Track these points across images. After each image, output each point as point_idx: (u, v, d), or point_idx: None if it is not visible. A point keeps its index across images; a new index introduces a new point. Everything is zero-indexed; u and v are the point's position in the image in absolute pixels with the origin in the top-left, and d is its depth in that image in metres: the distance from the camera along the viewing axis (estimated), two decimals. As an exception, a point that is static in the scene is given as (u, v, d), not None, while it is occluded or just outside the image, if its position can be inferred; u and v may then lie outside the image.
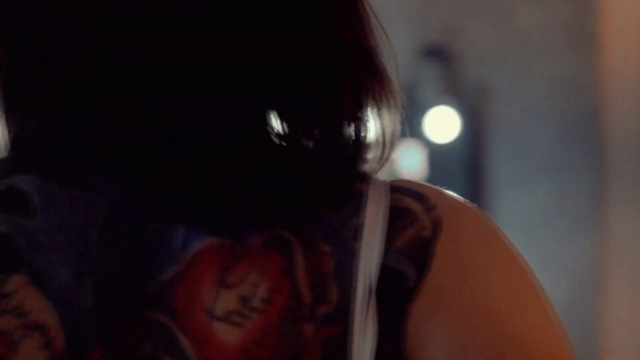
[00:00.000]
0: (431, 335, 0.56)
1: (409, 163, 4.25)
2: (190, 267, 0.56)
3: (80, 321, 0.55)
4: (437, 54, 3.58)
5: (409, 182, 0.60)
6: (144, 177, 0.58)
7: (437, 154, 3.61)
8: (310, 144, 0.58)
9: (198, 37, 0.57)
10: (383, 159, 0.61)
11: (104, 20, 0.57)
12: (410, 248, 0.57)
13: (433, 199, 0.58)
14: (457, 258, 0.57)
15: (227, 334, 0.55)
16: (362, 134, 0.59)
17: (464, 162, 3.61)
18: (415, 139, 3.58)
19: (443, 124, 3.59)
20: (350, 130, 0.59)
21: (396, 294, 0.56)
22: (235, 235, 0.56)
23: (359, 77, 0.59)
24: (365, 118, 0.59)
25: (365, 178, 0.59)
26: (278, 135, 0.59)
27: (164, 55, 0.57)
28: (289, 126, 0.59)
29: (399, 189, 0.59)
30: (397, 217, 0.57)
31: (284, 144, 0.59)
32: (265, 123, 0.59)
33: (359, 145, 0.59)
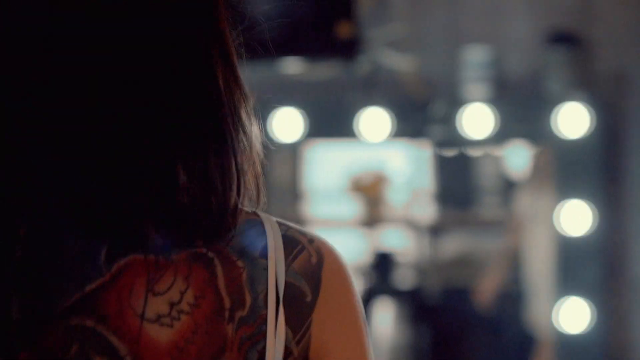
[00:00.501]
0: (328, 339, 0.72)
1: (516, 162, 3.90)
2: (116, 278, 0.66)
3: (8, 332, 0.64)
4: (566, 41, 3.18)
5: (282, 219, 0.73)
6: (68, 202, 0.66)
7: (566, 152, 3.23)
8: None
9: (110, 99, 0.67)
10: (258, 202, 0.73)
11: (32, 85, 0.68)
12: (305, 272, 0.72)
13: (308, 233, 0.74)
14: (337, 284, 0.73)
15: (159, 334, 0.66)
16: (241, 182, 0.71)
17: (598, 160, 3.22)
18: (541, 135, 3.19)
19: (573, 118, 3.19)
20: (232, 178, 0.70)
21: (300, 306, 0.71)
22: (159, 252, 0.67)
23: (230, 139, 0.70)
24: (240, 171, 0.71)
25: (257, 213, 0.73)
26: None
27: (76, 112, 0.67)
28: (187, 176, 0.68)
29: (282, 223, 0.73)
30: (289, 244, 0.71)
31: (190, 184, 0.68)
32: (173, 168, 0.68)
33: (241, 189, 0.71)
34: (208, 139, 0.69)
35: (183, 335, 0.67)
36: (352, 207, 5.42)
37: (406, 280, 5.31)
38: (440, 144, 3.41)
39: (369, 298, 5.14)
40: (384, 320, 5.40)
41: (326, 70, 2.83)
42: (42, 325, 0.65)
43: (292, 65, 2.80)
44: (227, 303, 0.68)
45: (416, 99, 2.84)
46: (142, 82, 0.68)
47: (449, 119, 2.87)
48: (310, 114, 3.07)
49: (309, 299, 0.72)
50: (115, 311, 0.66)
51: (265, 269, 0.70)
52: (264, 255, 0.71)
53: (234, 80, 0.72)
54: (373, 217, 5.34)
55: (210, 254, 0.69)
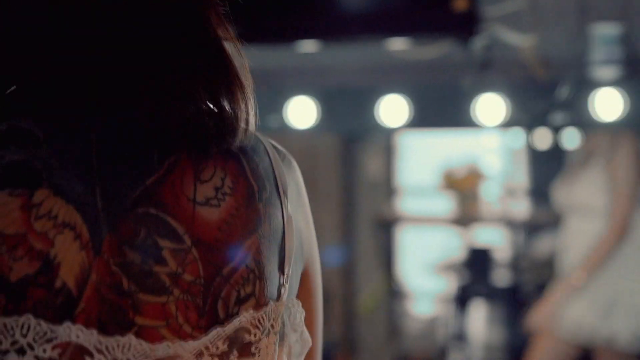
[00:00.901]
0: (304, 233, 0.89)
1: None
2: (168, 172, 0.80)
3: (96, 218, 0.77)
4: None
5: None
6: (122, 114, 0.81)
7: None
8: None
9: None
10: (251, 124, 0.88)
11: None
12: (291, 173, 0.88)
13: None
14: (302, 186, 0.91)
15: (209, 214, 0.80)
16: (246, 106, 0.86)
17: None
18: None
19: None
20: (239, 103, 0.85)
21: (293, 198, 0.87)
22: (198, 150, 0.81)
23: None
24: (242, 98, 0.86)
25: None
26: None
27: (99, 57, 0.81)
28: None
29: (262, 135, 0.90)
30: (277, 151, 0.88)
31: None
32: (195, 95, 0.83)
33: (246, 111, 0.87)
34: (219, 69, 0.83)
35: (229, 212, 0.81)
36: (445, 203, 5.33)
37: (501, 278, 5.05)
38: (563, 131, 3.06)
39: (463, 296, 4.93)
40: (479, 319, 5.19)
41: (436, 50, 2.52)
42: (118, 213, 0.78)
43: (397, 46, 2.51)
44: (255, 187, 0.83)
45: (537, 82, 2.50)
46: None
47: (574, 104, 2.52)
48: (416, 100, 2.75)
49: (294, 190, 0.88)
50: (171, 198, 0.79)
51: (271, 165, 0.85)
52: (267, 154, 0.86)
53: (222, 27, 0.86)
54: (467, 214, 5.17)
55: (236, 151, 0.83)
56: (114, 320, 0.77)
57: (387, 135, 4.69)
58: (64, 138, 0.79)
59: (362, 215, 5.06)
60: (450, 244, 5.55)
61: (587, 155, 3.39)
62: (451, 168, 5.33)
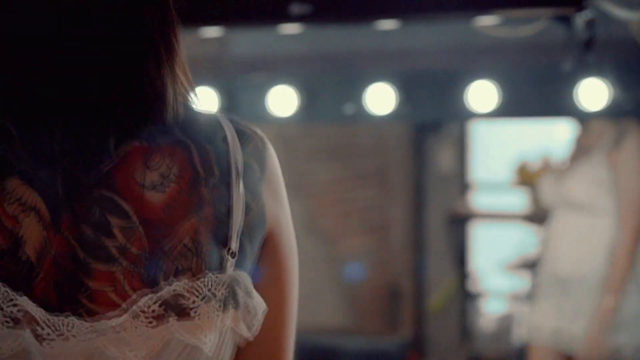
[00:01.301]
0: (272, 212, 0.97)
1: None
2: (122, 160, 0.92)
3: (56, 201, 0.90)
4: None
5: (239, 118, 1.00)
6: (84, 113, 0.92)
7: None
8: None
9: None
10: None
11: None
12: (254, 153, 0.97)
13: (255, 129, 0.99)
14: (274, 164, 0.99)
15: (155, 197, 0.91)
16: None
17: None
18: None
19: None
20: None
21: (253, 178, 0.96)
22: (151, 141, 0.93)
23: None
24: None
25: (216, 114, 0.99)
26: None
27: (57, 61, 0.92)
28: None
29: (236, 121, 0.98)
30: (241, 135, 0.96)
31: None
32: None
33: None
34: (161, 57, 0.94)
35: (172, 197, 0.92)
36: (520, 199, 5.07)
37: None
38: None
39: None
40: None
41: (532, 28, 2.22)
42: (75, 196, 0.91)
43: (487, 24, 2.22)
44: (202, 174, 0.93)
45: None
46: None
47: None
48: (506, 85, 2.45)
49: (258, 174, 0.97)
50: (123, 182, 0.91)
51: (227, 151, 0.94)
52: (225, 141, 0.95)
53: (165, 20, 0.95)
54: (542, 210, 4.90)
55: (187, 141, 0.94)
56: (68, 283, 0.90)
57: (468, 124, 4.38)
58: (33, 134, 0.92)
59: (434, 211, 4.86)
60: (525, 241, 5.24)
61: (582, 147, 3.11)
62: (525, 161, 5.03)
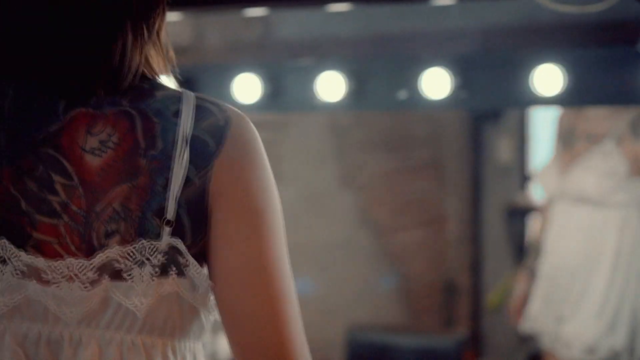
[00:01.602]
0: (224, 185, 0.99)
1: None
2: (69, 123, 0.98)
3: None
4: None
5: (211, 97, 1.03)
6: (39, 73, 1.00)
7: None
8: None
9: None
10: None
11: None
12: (210, 130, 0.99)
13: (225, 107, 1.02)
14: (240, 142, 1.01)
15: (93, 161, 0.97)
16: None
17: None
18: None
19: None
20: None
21: (203, 152, 0.99)
22: (97, 108, 0.99)
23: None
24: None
25: (181, 91, 1.02)
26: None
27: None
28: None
29: (202, 98, 1.02)
30: (200, 111, 1.00)
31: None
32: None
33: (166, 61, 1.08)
34: (124, 27, 1.00)
35: (107, 162, 0.97)
36: None
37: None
38: None
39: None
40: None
41: (604, 4, 2.00)
42: (19, 151, 0.97)
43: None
44: (142, 145, 0.97)
45: None
46: None
47: None
48: (574, 68, 2.22)
49: (212, 148, 0.99)
50: (67, 144, 0.98)
51: (176, 125, 0.98)
52: (177, 116, 0.99)
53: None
54: None
55: (133, 112, 0.99)
56: (14, 234, 0.97)
57: (529, 112, 4.16)
58: None
59: (492, 203, 4.69)
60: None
61: (588, 137, 2.84)
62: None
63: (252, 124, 1.04)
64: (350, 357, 3.85)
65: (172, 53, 1.09)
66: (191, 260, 0.99)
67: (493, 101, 2.32)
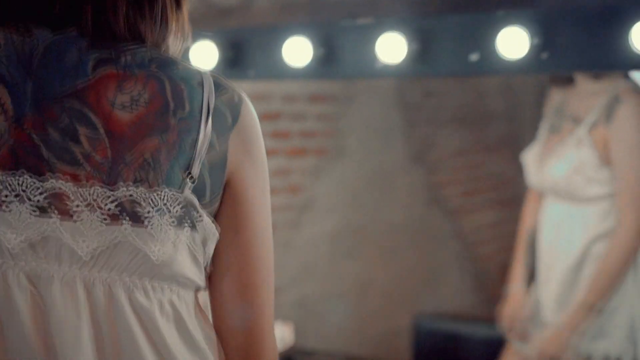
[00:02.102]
0: (242, 157, 1.07)
1: None
2: (97, 82, 1.02)
3: (22, 100, 1.01)
4: None
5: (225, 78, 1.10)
6: (69, 32, 1.06)
7: None
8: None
9: None
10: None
11: None
12: (228, 104, 1.07)
13: (233, 85, 1.09)
14: (250, 121, 1.09)
15: (123, 115, 1.01)
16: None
17: None
18: None
19: None
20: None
21: (223, 123, 1.06)
22: (127, 69, 1.03)
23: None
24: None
25: (199, 69, 1.08)
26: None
27: None
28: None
29: (216, 76, 1.08)
30: (219, 86, 1.07)
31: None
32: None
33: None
34: None
35: (139, 116, 1.01)
36: None
37: None
38: None
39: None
40: None
41: None
42: (45, 101, 1.01)
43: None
44: (172, 106, 1.03)
45: None
46: None
47: None
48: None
49: (229, 121, 1.06)
50: (95, 99, 1.02)
51: (201, 93, 1.04)
52: (201, 85, 1.05)
53: None
54: None
55: (162, 76, 1.04)
56: (32, 174, 1.02)
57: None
58: (19, 45, 1.04)
59: None
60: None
61: (571, 117, 2.46)
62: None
63: (252, 107, 1.12)
64: (417, 346, 3.59)
65: (187, 27, 1.15)
66: (205, 216, 1.05)
67: (581, 63, 1.97)
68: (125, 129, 1.01)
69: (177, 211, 1.02)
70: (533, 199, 2.68)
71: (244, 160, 1.08)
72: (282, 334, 2.89)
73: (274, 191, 3.43)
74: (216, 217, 1.08)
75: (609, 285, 2.36)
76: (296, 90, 3.49)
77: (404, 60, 2.07)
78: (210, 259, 1.09)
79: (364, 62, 2.12)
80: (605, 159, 2.36)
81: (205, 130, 1.04)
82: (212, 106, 1.05)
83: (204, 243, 1.06)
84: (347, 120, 3.72)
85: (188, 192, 1.03)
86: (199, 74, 1.06)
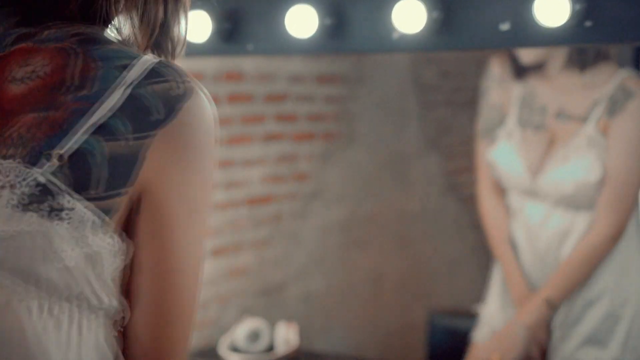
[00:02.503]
0: (163, 165, 0.93)
1: None
2: (10, 55, 0.97)
3: None
4: None
5: (180, 67, 0.97)
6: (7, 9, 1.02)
7: None
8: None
9: None
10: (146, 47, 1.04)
11: None
12: (161, 95, 0.94)
13: (191, 80, 0.96)
14: (194, 122, 0.95)
15: (16, 88, 0.95)
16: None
17: None
18: None
19: None
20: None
21: (145, 117, 0.93)
22: (42, 43, 0.97)
23: None
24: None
25: (145, 54, 0.98)
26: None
27: None
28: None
29: (167, 64, 0.96)
30: (155, 73, 0.94)
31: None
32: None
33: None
34: None
35: (29, 90, 0.94)
36: None
37: None
38: None
39: None
40: None
41: None
42: None
43: None
44: (69, 82, 0.94)
45: None
46: None
47: None
48: None
49: (157, 116, 0.93)
50: (2, 72, 0.97)
51: (119, 77, 0.93)
52: (124, 68, 0.94)
53: None
54: None
55: (77, 51, 0.95)
56: None
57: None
58: None
59: None
60: None
61: (556, 115, 2.27)
62: None
63: (214, 113, 0.99)
64: (431, 344, 3.36)
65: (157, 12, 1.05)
66: (79, 207, 0.92)
67: (626, 34, 1.68)
68: (13, 102, 0.94)
69: (27, 190, 0.91)
70: (495, 195, 2.45)
71: (171, 168, 0.94)
72: (286, 335, 2.67)
73: (280, 178, 3.34)
74: (131, 229, 0.95)
75: (570, 285, 2.22)
76: (303, 70, 3.31)
77: (423, 31, 1.78)
78: (119, 274, 0.96)
79: (377, 34, 1.84)
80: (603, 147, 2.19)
81: (104, 113, 0.93)
82: (130, 93, 0.93)
83: (83, 240, 0.92)
84: (357, 102, 3.55)
85: (49, 174, 0.91)
86: (132, 57, 0.96)
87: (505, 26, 1.71)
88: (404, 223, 3.81)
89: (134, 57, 0.96)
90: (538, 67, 2.26)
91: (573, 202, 2.23)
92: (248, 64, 3.01)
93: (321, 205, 3.45)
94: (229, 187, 2.98)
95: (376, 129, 3.64)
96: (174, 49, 1.05)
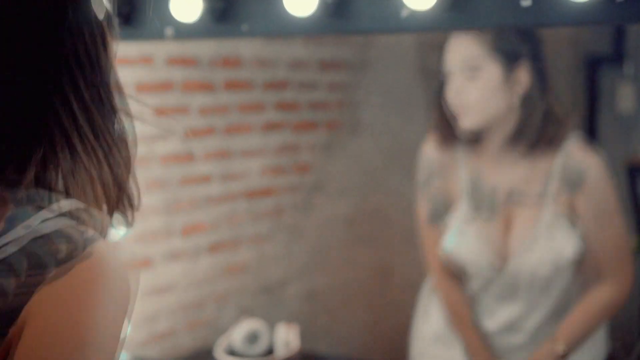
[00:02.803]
0: (39, 311, 0.86)
1: None
2: None
3: None
4: None
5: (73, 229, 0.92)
6: None
7: None
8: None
9: None
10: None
11: None
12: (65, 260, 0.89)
13: (90, 236, 0.92)
14: (81, 298, 0.87)
15: None
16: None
17: None
18: None
19: None
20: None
21: (35, 276, 0.87)
22: None
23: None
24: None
25: (64, 222, 0.93)
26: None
27: None
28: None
29: (61, 230, 0.91)
30: (52, 236, 0.90)
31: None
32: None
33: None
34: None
35: None
36: None
37: None
38: None
39: None
40: None
41: None
42: None
43: None
44: None
45: None
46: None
47: None
48: None
49: (50, 273, 0.87)
50: None
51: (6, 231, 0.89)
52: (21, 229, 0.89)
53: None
54: None
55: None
56: None
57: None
58: None
59: (610, 159, 4.12)
60: None
61: (507, 195, 2.23)
62: None
63: (116, 272, 0.90)
64: None
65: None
66: None
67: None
68: None
69: None
70: (452, 282, 2.33)
71: (58, 317, 0.87)
72: (286, 337, 2.55)
73: (280, 170, 3.25)
74: None
75: (581, 337, 2.16)
76: (304, 55, 3.23)
77: (435, 8, 1.62)
78: None
79: (384, 11, 1.68)
80: (573, 221, 2.12)
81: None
82: (25, 245, 0.89)
83: None
84: (362, 89, 3.50)
85: None
86: (28, 217, 0.91)
87: (527, 1, 1.55)
88: (410, 217, 3.72)
89: (29, 214, 0.92)
90: (475, 141, 2.18)
91: (544, 284, 2.15)
92: (246, 48, 2.92)
93: (324, 198, 3.40)
94: (226, 179, 2.90)
95: (382, 117, 3.59)
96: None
